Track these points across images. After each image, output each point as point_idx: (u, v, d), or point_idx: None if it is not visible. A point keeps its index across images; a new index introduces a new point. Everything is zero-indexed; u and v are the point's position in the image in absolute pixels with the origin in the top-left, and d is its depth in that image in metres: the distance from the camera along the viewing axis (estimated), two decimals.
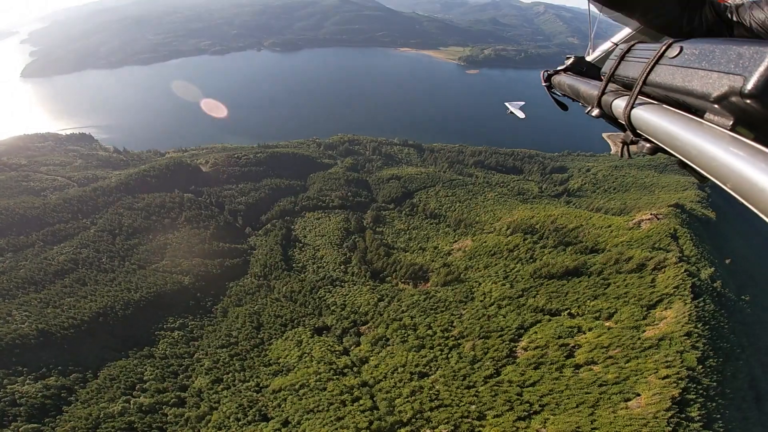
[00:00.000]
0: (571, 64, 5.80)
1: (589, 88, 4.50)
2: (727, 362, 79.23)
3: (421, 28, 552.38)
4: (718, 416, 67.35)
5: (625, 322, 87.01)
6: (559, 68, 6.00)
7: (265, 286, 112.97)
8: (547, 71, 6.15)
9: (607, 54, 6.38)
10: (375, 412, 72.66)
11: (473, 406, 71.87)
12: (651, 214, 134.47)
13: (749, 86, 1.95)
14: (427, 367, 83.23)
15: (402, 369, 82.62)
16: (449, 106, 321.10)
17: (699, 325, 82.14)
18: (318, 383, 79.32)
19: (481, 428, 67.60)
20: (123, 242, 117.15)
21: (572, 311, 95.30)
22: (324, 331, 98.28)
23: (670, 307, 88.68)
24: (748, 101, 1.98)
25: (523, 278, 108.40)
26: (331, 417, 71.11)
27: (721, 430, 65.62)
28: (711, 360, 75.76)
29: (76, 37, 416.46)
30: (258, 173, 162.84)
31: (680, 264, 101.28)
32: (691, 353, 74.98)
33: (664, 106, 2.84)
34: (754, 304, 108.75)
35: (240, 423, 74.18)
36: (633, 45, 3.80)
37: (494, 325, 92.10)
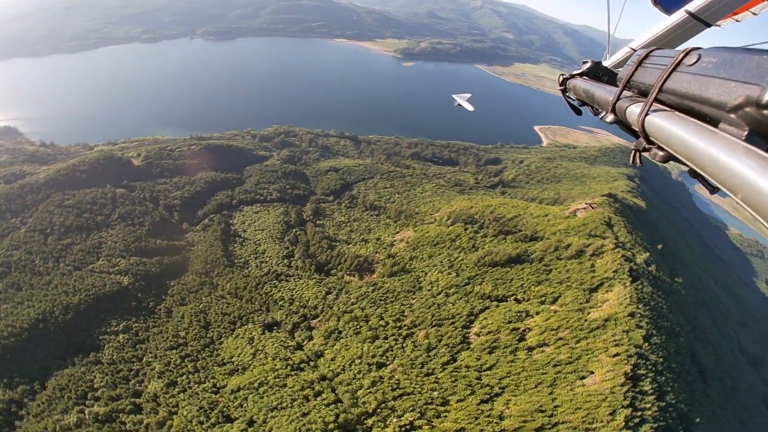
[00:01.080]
0: (587, 68, 5.71)
1: (604, 93, 4.48)
2: (669, 339, 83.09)
3: (359, 20, 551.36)
4: (669, 389, 70.34)
5: (569, 306, 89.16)
6: (575, 72, 5.93)
7: (208, 283, 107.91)
8: (563, 75, 6.16)
9: (624, 60, 6.55)
10: (339, 405, 70.62)
11: (435, 393, 71.48)
12: (586, 204, 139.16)
13: (766, 96, 1.91)
14: (384, 357, 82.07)
15: (359, 361, 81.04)
16: (385, 98, 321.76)
17: (640, 306, 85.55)
18: (277, 380, 76.34)
19: (446, 414, 67.29)
20: (56, 242, 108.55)
21: (518, 297, 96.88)
22: (274, 327, 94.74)
23: (611, 290, 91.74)
24: (765, 111, 1.96)
25: (467, 267, 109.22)
26: (296, 413, 68.58)
27: (673, 401, 68.37)
28: (655, 338, 79.03)
29: (0, 24, 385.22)
30: (192, 166, 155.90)
31: (617, 250, 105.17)
32: (637, 332, 77.86)
33: (679, 114, 2.81)
34: (686, 285, 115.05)
35: (204, 426, 70.18)
36: (651, 51, 3.76)
37: (445, 313, 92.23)
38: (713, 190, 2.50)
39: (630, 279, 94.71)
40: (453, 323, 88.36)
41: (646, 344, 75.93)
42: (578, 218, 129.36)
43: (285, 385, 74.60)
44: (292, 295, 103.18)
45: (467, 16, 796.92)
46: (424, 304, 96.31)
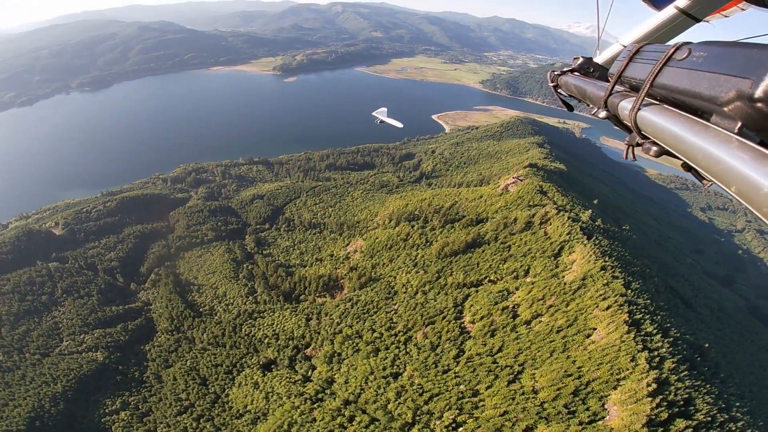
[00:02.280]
0: (578, 65, 5.69)
1: (595, 89, 4.54)
2: (646, 281, 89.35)
3: (228, 45, 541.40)
4: (668, 325, 75.67)
5: (542, 275, 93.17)
6: (566, 69, 5.93)
7: (184, 339, 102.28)
8: (554, 71, 6.09)
9: (615, 56, 6.54)
10: (377, 423, 69.87)
11: (462, 386, 72.25)
12: (513, 178, 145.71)
13: (758, 90, 1.93)
14: (395, 367, 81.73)
15: (372, 377, 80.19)
16: (279, 117, 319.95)
17: (607, 259, 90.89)
18: (303, 416, 74.05)
19: (482, 403, 68.30)
20: (11, 333, 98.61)
21: (491, 278, 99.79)
22: (272, 366, 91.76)
23: (574, 251, 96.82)
24: (757, 105, 1.96)
25: (431, 261, 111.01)
26: None
27: (678, 334, 73.66)
28: (634, 283, 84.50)
29: None
30: (115, 224, 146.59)
31: (561, 213, 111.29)
32: (616, 282, 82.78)
33: (671, 108, 2.87)
34: (634, 230, 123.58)
35: None
36: (642, 46, 3.83)
37: (431, 310, 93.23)
38: (706, 182, 2.61)
39: (585, 237, 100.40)
40: (444, 317, 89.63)
41: (629, 291, 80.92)
42: (512, 193, 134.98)
43: (314, 420, 72.68)
44: (275, 330, 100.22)
45: (332, 22, 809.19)
46: (408, 306, 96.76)
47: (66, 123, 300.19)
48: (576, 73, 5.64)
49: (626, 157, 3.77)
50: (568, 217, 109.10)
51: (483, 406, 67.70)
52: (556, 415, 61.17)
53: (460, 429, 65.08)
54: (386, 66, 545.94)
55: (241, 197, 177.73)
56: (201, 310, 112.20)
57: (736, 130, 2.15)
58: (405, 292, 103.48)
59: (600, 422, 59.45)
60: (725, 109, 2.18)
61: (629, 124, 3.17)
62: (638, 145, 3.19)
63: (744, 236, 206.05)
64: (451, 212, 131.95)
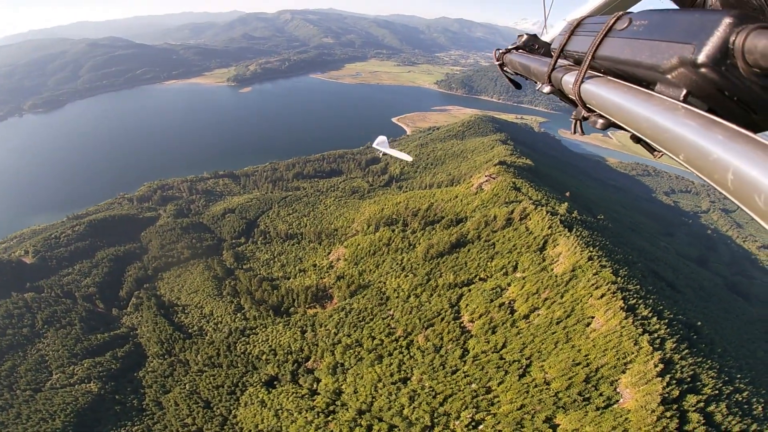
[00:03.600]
0: (523, 42, 5.67)
1: (539, 65, 4.58)
2: (631, 267, 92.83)
3: (179, 58, 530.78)
4: (661, 307, 79.42)
5: (531, 269, 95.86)
6: (510, 47, 5.92)
7: (178, 362, 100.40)
8: (499, 50, 6.11)
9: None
10: (396, 430, 70.50)
11: (473, 385, 73.73)
12: (486, 176, 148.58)
13: (700, 55, 1.97)
14: (402, 372, 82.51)
15: (380, 384, 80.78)
16: (239, 128, 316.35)
17: (591, 249, 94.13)
18: (320, 430, 74.09)
19: (497, 399, 69.89)
20: None
21: (481, 276, 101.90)
22: (275, 382, 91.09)
23: (557, 244, 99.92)
24: (701, 70, 2.00)
25: (419, 264, 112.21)
26: None
27: (671, 315, 77.20)
28: (621, 270, 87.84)
29: None
30: (87, 248, 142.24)
31: (539, 208, 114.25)
32: (605, 271, 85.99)
33: (614, 79, 2.92)
34: (609, 218, 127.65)
35: None
36: (582, 19, 3.88)
37: (428, 312, 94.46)
38: (657, 153, 2.56)
39: (566, 229, 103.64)
40: (443, 318, 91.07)
41: (619, 278, 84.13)
42: (486, 191, 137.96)
43: None
44: (271, 346, 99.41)
45: (281, 30, 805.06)
46: (403, 310, 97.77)
47: (21, 146, 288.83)
48: (521, 51, 5.67)
49: (574, 132, 3.81)
50: (546, 211, 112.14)
51: (498, 402, 69.43)
52: (572, 404, 63.48)
53: (480, 427, 66.54)
54: (340, 71, 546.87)
55: (212, 212, 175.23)
56: (190, 331, 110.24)
57: (681, 98, 2.16)
58: (397, 297, 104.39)
59: (615, 406, 61.98)
60: (669, 76, 2.19)
61: (574, 98, 3.20)
62: (584, 119, 3.20)
63: (710, 216, 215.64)
64: (429, 214, 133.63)
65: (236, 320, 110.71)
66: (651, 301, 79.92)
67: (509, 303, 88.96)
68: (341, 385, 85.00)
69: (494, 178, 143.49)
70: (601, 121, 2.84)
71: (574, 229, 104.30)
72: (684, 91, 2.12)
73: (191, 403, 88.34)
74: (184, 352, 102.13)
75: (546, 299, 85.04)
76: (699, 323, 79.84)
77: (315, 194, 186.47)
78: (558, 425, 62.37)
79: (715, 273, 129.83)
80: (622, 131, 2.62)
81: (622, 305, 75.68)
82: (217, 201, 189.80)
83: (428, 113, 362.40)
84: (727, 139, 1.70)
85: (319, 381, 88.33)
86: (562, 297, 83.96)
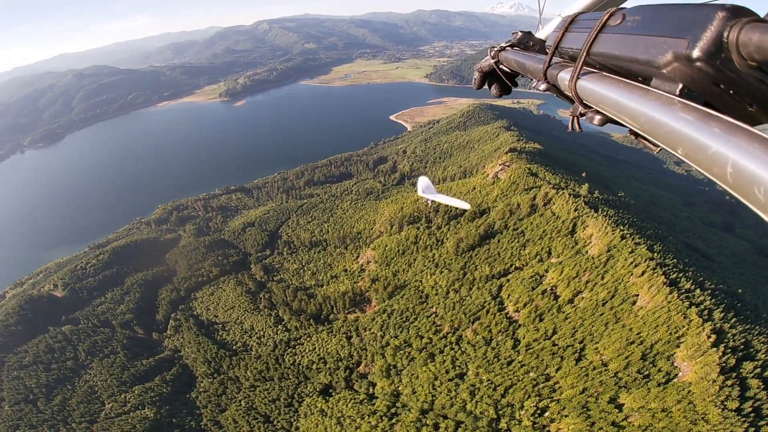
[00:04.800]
0: (518, 39, 5.58)
1: (534, 62, 4.55)
2: (664, 242, 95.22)
3: (167, 79, 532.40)
4: (701, 278, 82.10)
5: (565, 254, 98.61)
6: (504, 44, 5.79)
7: (227, 379, 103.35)
8: (493, 48, 5.98)
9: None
10: (464, 425, 73.35)
11: (531, 374, 76.60)
12: (500, 165, 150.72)
13: (695, 50, 1.97)
14: (457, 368, 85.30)
15: (437, 382, 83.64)
16: (240, 142, 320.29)
17: (622, 227, 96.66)
18: None
19: (557, 385, 72.87)
20: (48, 406, 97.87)
21: (516, 265, 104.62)
22: (330, 390, 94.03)
23: (587, 226, 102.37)
24: (696, 64, 2.01)
25: (451, 259, 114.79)
26: None
27: (712, 285, 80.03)
28: (655, 245, 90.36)
29: None
30: (115, 275, 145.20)
31: (560, 192, 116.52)
32: (640, 248, 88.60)
33: (610, 75, 2.92)
34: (629, 195, 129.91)
35: None
36: (577, 15, 3.87)
37: (471, 306, 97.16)
38: (657, 148, 2.49)
39: (592, 210, 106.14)
40: (488, 311, 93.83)
41: (655, 254, 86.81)
42: (503, 180, 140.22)
43: None
44: (320, 355, 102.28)
45: (262, 41, 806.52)
46: (446, 307, 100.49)
47: (29, 182, 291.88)
48: (516, 48, 5.63)
49: (571, 128, 3.87)
50: (569, 194, 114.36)
51: (560, 388, 72.47)
52: (633, 382, 66.43)
53: (546, 414, 69.47)
54: (329, 75, 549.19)
55: (231, 228, 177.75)
56: (234, 348, 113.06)
57: (677, 92, 2.17)
58: (436, 294, 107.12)
59: (675, 380, 64.93)
60: (664, 71, 2.22)
61: (570, 95, 3.24)
62: (581, 115, 3.28)
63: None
64: (450, 208, 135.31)
65: (278, 332, 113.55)
66: (690, 273, 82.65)
67: (551, 289, 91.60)
68: (398, 386, 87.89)
69: (508, 166, 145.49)
70: (598, 117, 2.97)
71: (600, 209, 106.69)
72: (680, 86, 2.17)
73: (250, 419, 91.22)
74: (233, 369, 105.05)
75: (587, 282, 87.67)
76: (740, 291, 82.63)
77: (330, 199, 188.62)
78: (623, 405, 65.40)
79: (742, 238, 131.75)
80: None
81: (664, 280, 78.32)
82: (234, 216, 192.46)
83: (425, 107, 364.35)
84: (725, 132, 1.72)
85: (374, 385, 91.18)
86: (603, 278, 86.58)
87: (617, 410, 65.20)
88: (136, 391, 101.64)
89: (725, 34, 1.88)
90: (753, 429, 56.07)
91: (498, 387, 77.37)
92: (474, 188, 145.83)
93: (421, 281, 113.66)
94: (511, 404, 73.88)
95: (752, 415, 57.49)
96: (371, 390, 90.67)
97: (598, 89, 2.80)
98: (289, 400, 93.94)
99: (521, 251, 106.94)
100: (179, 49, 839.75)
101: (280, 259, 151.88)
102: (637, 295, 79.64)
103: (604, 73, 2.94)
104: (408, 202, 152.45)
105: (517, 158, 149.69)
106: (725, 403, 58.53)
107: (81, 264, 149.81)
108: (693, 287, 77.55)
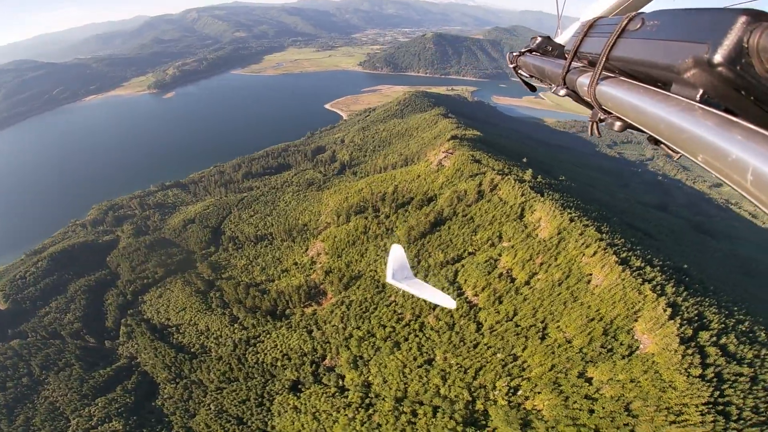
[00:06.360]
0: (537, 44, 5.49)
1: (553, 67, 4.51)
2: (609, 222, 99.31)
3: (93, 72, 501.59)
4: (649, 256, 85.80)
5: (517, 237, 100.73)
6: (523, 49, 5.78)
7: (191, 383, 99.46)
8: (512, 53, 5.99)
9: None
10: (441, 410, 73.73)
11: (499, 354, 77.95)
12: (443, 152, 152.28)
13: (716, 55, 1.93)
14: (425, 354, 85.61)
15: (407, 369, 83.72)
16: (171, 135, 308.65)
17: (569, 210, 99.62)
18: (368, 426, 76.13)
19: (526, 364, 74.63)
20: (11, 427, 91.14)
21: (469, 250, 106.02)
22: (299, 386, 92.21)
23: (535, 210, 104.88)
24: (717, 70, 1.96)
25: (404, 247, 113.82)
26: None
27: (659, 261, 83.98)
28: (602, 226, 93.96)
29: None
30: (57, 283, 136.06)
31: (505, 178, 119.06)
32: (589, 229, 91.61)
33: (630, 80, 2.88)
34: (569, 179, 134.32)
35: None
36: (596, 20, 3.85)
37: None
38: (676, 155, 2.48)
39: (538, 195, 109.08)
40: None
41: (604, 234, 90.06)
42: (447, 167, 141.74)
43: (380, 425, 75.20)
44: (282, 351, 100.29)
45: (191, 30, 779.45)
46: (405, 295, 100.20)
47: None
48: (535, 53, 5.58)
49: (591, 134, 3.83)
50: (514, 180, 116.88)
51: (528, 366, 74.28)
52: (599, 356, 68.85)
53: (519, 392, 71.09)
54: (261, 64, 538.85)
55: (171, 225, 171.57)
56: (193, 350, 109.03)
57: (697, 98, 2.14)
58: None
59: (637, 352, 67.84)
60: (684, 76, 2.17)
61: (589, 100, 3.21)
62: (601, 121, 3.21)
63: (656, 163, 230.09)
64: (396, 197, 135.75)
65: (236, 331, 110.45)
66: (639, 251, 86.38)
67: (507, 272, 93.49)
68: (367, 377, 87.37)
69: (452, 153, 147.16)
70: (618, 123, 2.90)
71: (546, 194, 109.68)
72: (700, 91, 2.12)
73: (223, 422, 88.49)
74: (195, 373, 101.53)
75: (542, 264, 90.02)
76: (685, 266, 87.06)
77: (271, 192, 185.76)
78: (592, 378, 67.86)
79: (677, 216, 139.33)
80: (642, 133, 2.75)
81: (616, 260, 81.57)
82: (173, 213, 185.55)
83: (359, 95, 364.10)
84: (746, 139, 1.70)
85: (343, 377, 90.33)
86: (556, 260, 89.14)
87: (588, 384, 67.66)
88: (99, 404, 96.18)
89: (746, 39, 1.86)
90: (717, 392, 59.50)
91: (468, 370, 78.40)
92: (419, 176, 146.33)
93: (375, 270, 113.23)
94: (483, 386, 75.18)
95: (715, 380, 61.01)
96: (341, 382, 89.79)
97: (618, 95, 2.79)
98: (260, 400, 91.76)
99: (472, 237, 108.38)
100: (105, 40, 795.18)
101: (227, 255, 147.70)
102: (591, 275, 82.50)
103: (624, 79, 2.94)
104: (352, 191, 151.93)
105: (459, 145, 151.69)
106: (689, 370, 61.76)
107: (20, 273, 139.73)
108: (643, 265, 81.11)
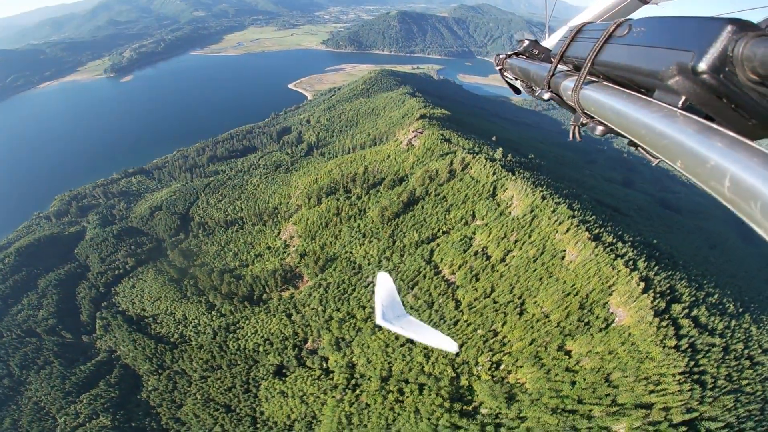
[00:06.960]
0: (524, 47, 5.50)
1: (539, 70, 4.53)
2: (579, 200, 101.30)
3: (47, 57, 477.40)
4: (620, 232, 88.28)
5: (490, 216, 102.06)
6: (510, 52, 5.83)
7: (175, 374, 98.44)
8: (499, 55, 6.04)
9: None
10: (427, 387, 74.85)
11: (479, 331, 79.53)
12: (413, 132, 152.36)
13: (700, 63, 1.95)
14: None
15: (390, 349, 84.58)
16: (130, 120, 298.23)
17: (540, 188, 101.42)
18: (356, 407, 76.95)
19: (506, 339, 76.49)
20: None
21: (443, 229, 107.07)
22: (284, 371, 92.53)
23: (506, 189, 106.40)
24: (700, 77, 1.98)
25: (378, 228, 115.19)
26: (423, 416, 71.22)
27: (630, 238, 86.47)
28: (574, 204, 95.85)
29: None
30: (26, 279, 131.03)
31: (476, 156, 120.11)
32: (561, 207, 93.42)
33: (613, 85, 2.91)
34: (538, 157, 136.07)
35: None
36: (584, 25, 3.86)
37: (407, 272, 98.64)
38: (655, 160, 2.49)
39: (509, 173, 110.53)
40: (425, 276, 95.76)
41: (576, 212, 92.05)
42: (417, 146, 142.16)
43: (368, 405, 76.10)
44: (263, 336, 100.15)
45: (147, 10, 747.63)
46: None
47: None
48: (521, 56, 5.58)
49: (572, 138, 3.79)
50: (485, 158, 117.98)
51: (509, 342, 76.00)
52: (576, 330, 70.87)
53: (502, 366, 72.78)
54: (221, 44, 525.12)
55: (138, 213, 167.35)
56: (172, 340, 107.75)
57: (679, 105, 2.15)
58: (369, 264, 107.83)
59: (613, 325, 70.08)
60: (668, 83, 2.19)
61: (572, 104, 3.21)
62: (583, 124, 3.21)
63: (621, 140, 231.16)
64: (367, 177, 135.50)
65: (214, 319, 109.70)
66: (610, 228, 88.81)
67: (482, 250, 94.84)
68: (351, 358, 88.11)
69: (421, 133, 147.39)
70: (600, 127, 2.93)
71: (517, 172, 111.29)
72: (682, 98, 2.15)
73: (211, 411, 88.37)
74: (177, 363, 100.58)
75: (516, 241, 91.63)
76: (655, 241, 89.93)
77: (238, 175, 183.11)
78: (571, 351, 69.93)
79: (643, 192, 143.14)
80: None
81: (589, 236, 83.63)
82: (138, 200, 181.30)
83: (323, 75, 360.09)
84: (725, 146, 1.72)
85: (326, 359, 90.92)
86: (530, 237, 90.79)
87: (567, 356, 69.73)
88: (84, 401, 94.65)
89: (731, 48, 1.88)
90: (693, 362, 62.08)
91: None
92: (389, 156, 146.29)
93: (351, 252, 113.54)
94: (466, 361, 76.84)
95: (689, 350, 63.61)
96: (325, 365, 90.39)
97: (601, 99, 2.80)
98: (246, 386, 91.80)
99: (446, 216, 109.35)
100: (58, 24, 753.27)
101: (197, 242, 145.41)
102: (565, 251, 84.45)
103: (608, 84, 2.98)
104: (322, 173, 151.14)
105: (428, 124, 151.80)
106: (664, 342, 64.27)
107: None
108: (615, 240, 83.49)
